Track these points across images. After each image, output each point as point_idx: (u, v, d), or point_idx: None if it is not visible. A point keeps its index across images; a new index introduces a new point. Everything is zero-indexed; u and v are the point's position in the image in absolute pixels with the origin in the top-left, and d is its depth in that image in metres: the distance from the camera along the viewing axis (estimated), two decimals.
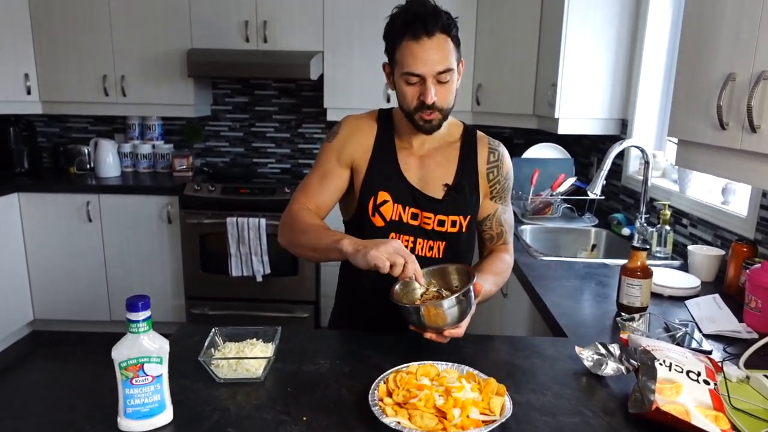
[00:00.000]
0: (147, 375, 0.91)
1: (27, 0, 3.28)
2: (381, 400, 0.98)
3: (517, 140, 3.65)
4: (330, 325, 1.50)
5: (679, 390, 0.95)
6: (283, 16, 3.25)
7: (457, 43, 1.23)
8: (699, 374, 0.98)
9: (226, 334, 1.18)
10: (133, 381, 0.90)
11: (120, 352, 0.89)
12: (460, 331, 1.17)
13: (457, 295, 1.12)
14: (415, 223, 1.33)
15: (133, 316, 0.89)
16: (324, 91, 3.34)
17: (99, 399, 0.99)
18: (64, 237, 3.31)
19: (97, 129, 3.81)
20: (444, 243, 1.35)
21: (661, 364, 0.98)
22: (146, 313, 0.90)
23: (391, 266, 1.09)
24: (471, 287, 1.15)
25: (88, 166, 3.60)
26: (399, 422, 0.91)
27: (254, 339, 1.17)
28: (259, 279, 3.20)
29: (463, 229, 1.35)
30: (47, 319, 3.44)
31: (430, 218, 1.33)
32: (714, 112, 1.26)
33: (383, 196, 1.31)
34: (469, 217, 1.35)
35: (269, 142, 3.81)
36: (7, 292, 3.23)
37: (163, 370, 0.92)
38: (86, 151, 3.59)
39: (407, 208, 1.32)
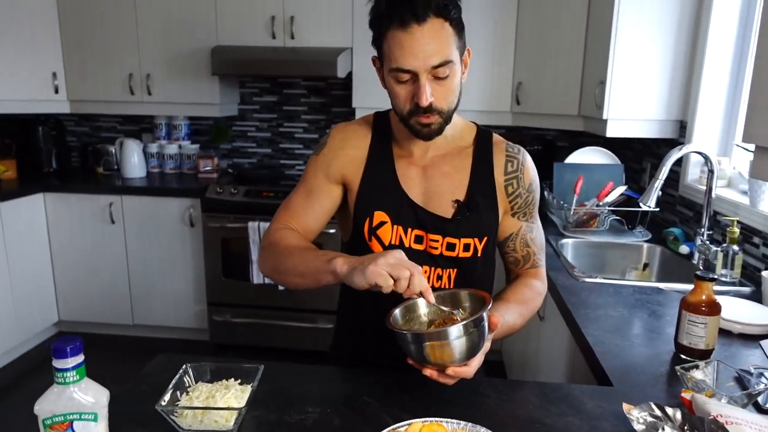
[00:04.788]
0: None
1: None
2: None
3: (561, 143, 3.37)
4: (330, 357, 1.31)
5: None
6: (311, 10, 3.09)
7: (458, 29, 1.01)
8: None
9: (199, 372, 1.00)
10: None
11: (43, 408, 0.72)
12: (469, 370, 0.94)
13: (465, 322, 0.90)
14: (420, 247, 1.12)
15: (60, 363, 0.72)
16: (353, 89, 3.17)
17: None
18: (88, 239, 3.25)
19: (125, 129, 3.75)
20: (455, 270, 1.13)
21: None
22: (77, 359, 0.73)
23: (396, 282, 0.89)
24: (484, 315, 0.92)
25: (114, 166, 3.54)
26: None
27: (231, 379, 0.99)
28: (282, 287, 3.05)
29: (479, 254, 1.13)
30: (72, 320, 3.39)
31: (437, 241, 1.11)
32: None
33: (380, 216, 1.11)
34: (485, 238, 1.13)
35: (297, 143, 3.66)
36: (33, 293, 3.19)
37: (99, 428, 0.75)
38: (113, 151, 3.53)
39: (409, 229, 1.11)
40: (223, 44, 3.18)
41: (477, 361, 0.96)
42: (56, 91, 3.33)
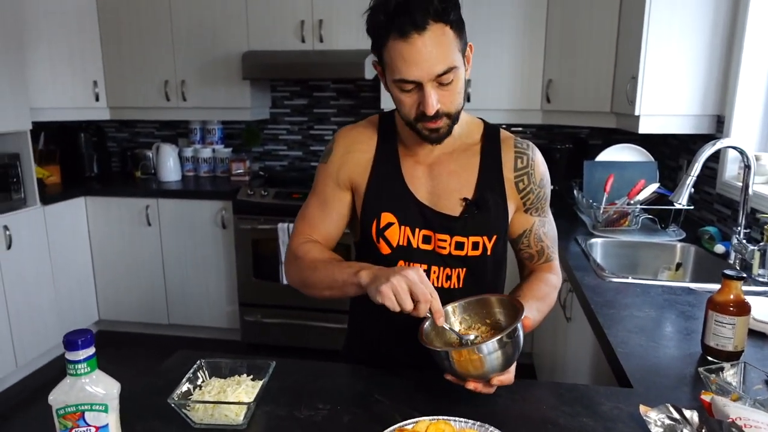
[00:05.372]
0: (89, 425, 0.76)
1: (96, 9, 3.37)
2: None
3: (594, 141, 3.29)
4: (343, 359, 1.32)
5: None
6: (339, 14, 3.11)
7: (459, 29, 0.97)
8: None
9: (213, 367, 1.02)
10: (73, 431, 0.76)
11: (57, 398, 0.75)
12: (510, 377, 0.96)
13: (499, 337, 0.90)
14: (428, 247, 1.11)
15: (72, 355, 0.75)
16: (381, 91, 3.17)
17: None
18: (126, 240, 3.37)
19: (162, 134, 3.87)
20: (465, 270, 1.12)
21: None
22: (88, 352, 0.75)
23: (416, 305, 0.91)
24: (519, 326, 0.93)
25: (152, 170, 3.65)
26: None
27: (243, 375, 1.01)
28: None
29: (488, 252, 1.11)
30: (111, 320, 3.52)
31: (445, 241, 1.10)
32: None
33: (387, 217, 1.10)
34: (495, 237, 1.11)
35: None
36: (75, 292, 3.32)
37: (110, 419, 0.78)
38: (150, 155, 3.64)
39: (417, 230, 1.11)
40: (253, 49, 3.24)
41: (513, 366, 0.97)
42: (97, 99, 3.46)
